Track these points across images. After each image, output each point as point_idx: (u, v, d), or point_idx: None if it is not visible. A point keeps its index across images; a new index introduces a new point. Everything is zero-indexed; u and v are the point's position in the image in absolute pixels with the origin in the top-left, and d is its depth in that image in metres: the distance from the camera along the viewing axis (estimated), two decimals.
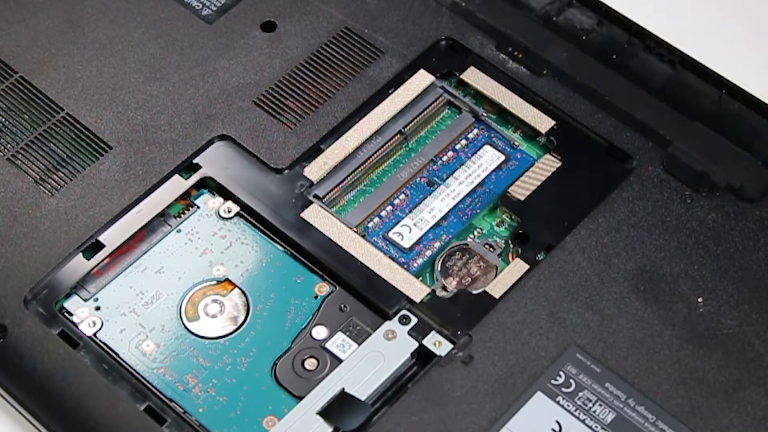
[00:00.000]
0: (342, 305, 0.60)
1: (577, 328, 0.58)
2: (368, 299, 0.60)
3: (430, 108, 0.66)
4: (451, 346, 0.58)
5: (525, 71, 0.67)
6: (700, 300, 0.59)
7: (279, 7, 0.69)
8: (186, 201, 0.63)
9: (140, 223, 0.62)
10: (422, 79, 0.67)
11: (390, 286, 0.60)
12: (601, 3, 0.68)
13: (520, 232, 0.62)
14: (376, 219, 0.63)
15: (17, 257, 0.61)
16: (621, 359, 0.57)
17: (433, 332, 0.58)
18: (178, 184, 0.63)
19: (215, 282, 0.61)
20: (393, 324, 0.59)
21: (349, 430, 0.56)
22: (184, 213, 0.63)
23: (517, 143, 0.65)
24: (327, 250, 0.61)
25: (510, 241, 0.62)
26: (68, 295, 0.60)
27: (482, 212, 0.63)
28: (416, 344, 0.58)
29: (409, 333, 0.58)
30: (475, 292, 0.60)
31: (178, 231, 0.63)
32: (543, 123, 0.65)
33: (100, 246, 0.61)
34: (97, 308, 0.60)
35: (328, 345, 0.59)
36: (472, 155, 0.65)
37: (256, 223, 0.62)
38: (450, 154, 0.65)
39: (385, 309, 0.59)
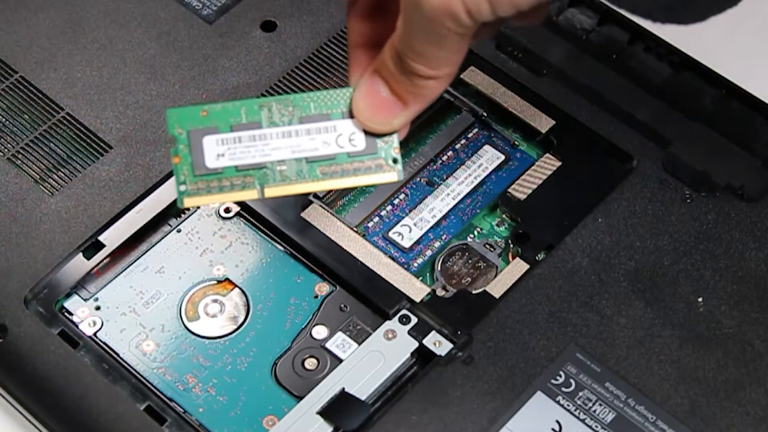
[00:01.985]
0: (342, 305, 0.60)
1: (577, 328, 0.58)
2: (368, 299, 0.60)
3: (430, 108, 0.66)
4: (451, 346, 0.58)
5: (525, 71, 0.67)
6: (700, 300, 0.59)
7: (279, 7, 0.69)
8: None
9: (140, 223, 0.62)
10: None
11: (390, 285, 0.60)
12: (602, 3, 0.68)
13: (520, 232, 0.61)
14: (376, 219, 0.63)
15: (17, 257, 0.61)
16: (621, 359, 0.57)
17: (433, 332, 0.58)
18: None
19: (215, 282, 0.61)
20: (393, 324, 0.59)
21: (349, 430, 0.56)
22: (184, 213, 0.63)
23: (517, 143, 0.65)
24: (327, 249, 0.61)
25: (510, 241, 0.62)
26: (68, 295, 0.60)
27: (482, 212, 0.63)
28: (416, 344, 0.58)
29: (409, 333, 0.58)
30: (475, 292, 0.60)
31: (178, 231, 0.62)
32: (543, 123, 0.65)
33: (100, 246, 0.61)
34: (97, 308, 0.60)
35: (328, 345, 0.59)
36: (472, 155, 0.65)
37: (256, 223, 0.62)
38: (450, 153, 0.65)
39: (385, 309, 0.59)
